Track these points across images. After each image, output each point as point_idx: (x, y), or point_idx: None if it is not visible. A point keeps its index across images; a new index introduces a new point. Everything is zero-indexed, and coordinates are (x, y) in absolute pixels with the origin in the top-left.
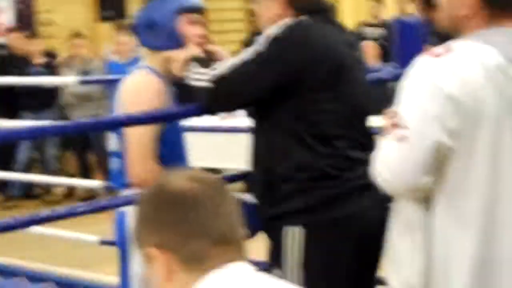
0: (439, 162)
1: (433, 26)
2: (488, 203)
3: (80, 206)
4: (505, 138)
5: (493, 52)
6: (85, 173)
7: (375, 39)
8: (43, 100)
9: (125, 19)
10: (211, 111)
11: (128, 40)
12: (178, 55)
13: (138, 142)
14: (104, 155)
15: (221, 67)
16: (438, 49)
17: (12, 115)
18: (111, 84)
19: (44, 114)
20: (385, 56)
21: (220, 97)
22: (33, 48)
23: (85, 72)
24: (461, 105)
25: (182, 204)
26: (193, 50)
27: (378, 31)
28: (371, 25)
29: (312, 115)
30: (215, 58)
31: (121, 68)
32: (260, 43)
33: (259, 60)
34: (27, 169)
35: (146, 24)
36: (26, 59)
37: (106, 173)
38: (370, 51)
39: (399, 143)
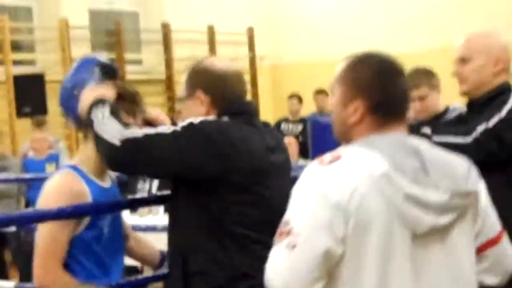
0: (330, 266)
1: None
2: None
3: None
4: (395, 245)
5: (379, 160)
6: (1, 271)
7: (295, 136)
8: None
9: (44, 115)
10: (112, 169)
11: (44, 136)
12: (90, 93)
13: (43, 242)
14: (20, 254)
15: (135, 130)
16: (327, 156)
17: None
18: (27, 183)
19: None
20: (305, 152)
21: (125, 158)
22: None
23: (2, 169)
24: (348, 213)
25: None
26: (108, 92)
27: (297, 128)
28: (290, 122)
29: (224, 213)
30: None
31: (37, 165)
32: (177, 126)
33: (173, 138)
34: None
35: (68, 91)
36: None
37: (22, 273)
38: (290, 148)
39: (289, 251)
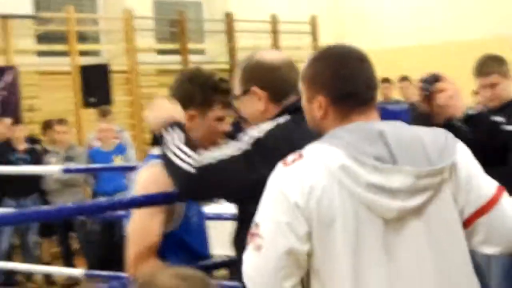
0: (300, 263)
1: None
2: None
3: None
4: (365, 235)
5: (337, 153)
6: (67, 259)
7: None
8: (25, 187)
9: (109, 105)
10: (187, 196)
11: (111, 127)
12: (161, 109)
13: (135, 231)
14: (87, 243)
15: (208, 156)
16: (291, 156)
17: None
18: (94, 172)
19: (26, 201)
20: None
21: (201, 186)
22: (16, 134)
23: (69, 159)
24: (308, 211)
25: None
26: (179, 111)
27: None
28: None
29: None
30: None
31: (104, 156)
32: (243, 141)
33: (246, 159)
34: (8, 256)
35: None
36: (9, 146)
37: (88, 260)
38: None
39: (256, 253)
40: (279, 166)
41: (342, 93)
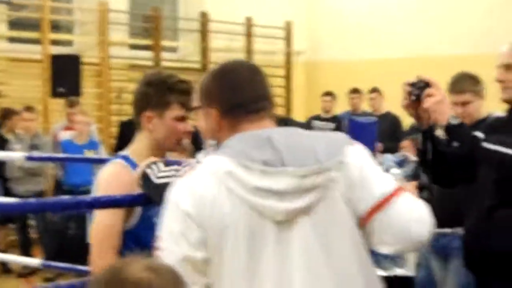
0: (199, 271)
1: (417, 122)
2: None
3: None
4: (258, 238)
5: (225, 161)
6: (25, 249)
7: None
8: None
9: (78, 96)
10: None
11: (86, 120)
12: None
13: (98, 230)
14: (45, 233)
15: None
16: (186, 169)
17: None
18: (62, 163)
19: None
20: None
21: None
22: None
23: (34, 147)
24: (198, 219)
25: None
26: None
27: (329, 126)
28: (322, 119)
29: None
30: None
31: (76, 149)
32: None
33: None
34: None
35: None
36: None
37: (45, 250)
38: None
39: None
40: (176, 180)
41: (231, 104)
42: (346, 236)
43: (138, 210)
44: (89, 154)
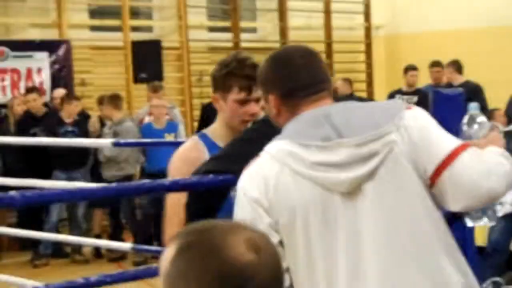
0: None
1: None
2: None
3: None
4: (323, 213)
5: (284, 143)
6: (116, 233)
7: None
8: (75, 160)
9: (160, 81)
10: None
11: (163, 103)
12: None
13: (170, 211)
14: (133, 217)
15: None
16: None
17: (45, 174)
18: (144, 150)
19: (77, 174)
20: None
21: None
22: (67, 108)
23: (116, 133)
24: (266, 204)
25: (241, 282)
26: None
27: (412, 100)
28: (405, 93)
29: None
30: None
31: (156, 134)
32: None
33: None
34: (57, 228)
35: None
36: (58, 118)
37: (135, 235)
38: None
39: None
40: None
41: (288, 89)
42: (415, 198)
43: None
44: (169, 137)
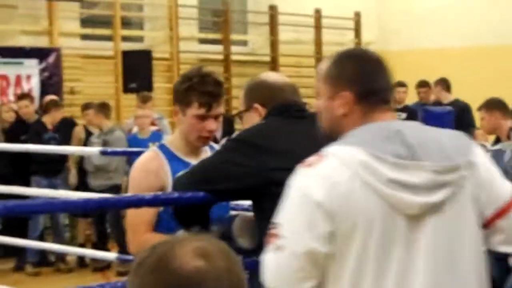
0: (319, 266)
1: None
2: None
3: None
4: (386, 232)
5: (358, 152)
6: (101, 243)
7: None
8: (55, 166)
9: (150, 91)
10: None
11: (147, 113)
12: None
13: (130, 220)
14: (118, 226)
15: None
16: (312, 158)
17: (24, 180)
18: (131, 156)
19: (56, 180)
20: None
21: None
22: (52, 114)
23: (106, 142)
24: (330, 210)
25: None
26: None
27: (401, 117)
28: (394, 110)
29: None
30: None
31: (140, 143)
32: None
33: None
34: (41, 236)
35: None
36: (42, 125)
37: (120, 244)
38: None
39: (277, 253)
40: (300, 168)
41: (368, 89)
42: (472, 235)
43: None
44: (153, 147)
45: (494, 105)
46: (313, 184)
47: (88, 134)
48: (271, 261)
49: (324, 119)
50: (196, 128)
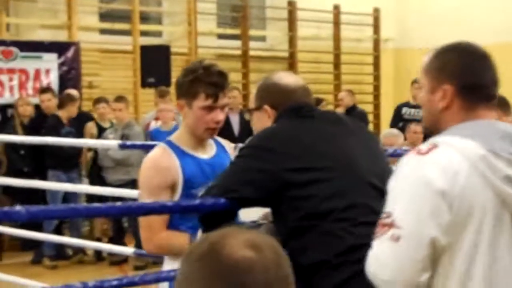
0: (433, 258)
1: None
2: None
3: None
4: (497, 225)
5: (474, 145)
6: (118, 237)
7: (416, 121)
8: (72, 159)
9: (168, 86)
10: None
11: (170, 107)
12: None
13: (146, 218)
14: (137, 221)
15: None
16: (423, 146)
17: (40, 173)
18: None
19: (72, 174)
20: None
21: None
22: (68, 109)
23: (125, 136)
24: (451, 197)
25: (237, 277)
26: None
27: (419, 114)
28: (412, 107)
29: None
30: None
31: (163, 136)
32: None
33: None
34: (59, 230)
35: None
36: (59, 119)
37: (138, 239)
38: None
39: (394, 244)
40: (412, 155)
41: (471, 83)
42: None
43: (179, 189)
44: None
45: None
46: (434, 173)
47: (100, 129)
48: (385, 252)
49: (424, 113)
50: (203, 120)
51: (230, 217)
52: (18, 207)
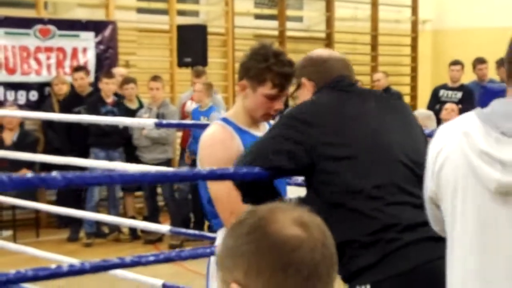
0: (440, 217)
1: None
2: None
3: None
4: (467, 200)
5: (472, 121)
6: (153, 216)
7: (454, 103)
8: (114, 139)
9: (204, 66)
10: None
11: (204, 88)
12: None
13: (220, 200)
14: (172, 200)
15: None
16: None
17: (83, 151)
18: (186, 129)
19: (114, 153)
20: None
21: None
22: (107, 88)
23: (161, 116)
24: (434, 172)
25: (284, 254)
26: None
27: (457, 96)
28: (449, 89)
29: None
30: None
31: (200, 116)
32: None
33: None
34: (95, 208)
35: None
36: (100, 98)
37: (174, 217)
38: (452, 111)
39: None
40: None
41: None
42: None
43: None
44: (203, 120)
45: None
46: (431, 146)
47: (127, 110)
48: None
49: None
50: (265, 107)
51: (267, 186)
52: (54, 173)
